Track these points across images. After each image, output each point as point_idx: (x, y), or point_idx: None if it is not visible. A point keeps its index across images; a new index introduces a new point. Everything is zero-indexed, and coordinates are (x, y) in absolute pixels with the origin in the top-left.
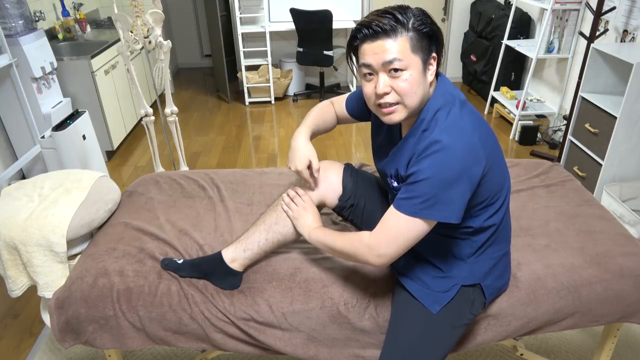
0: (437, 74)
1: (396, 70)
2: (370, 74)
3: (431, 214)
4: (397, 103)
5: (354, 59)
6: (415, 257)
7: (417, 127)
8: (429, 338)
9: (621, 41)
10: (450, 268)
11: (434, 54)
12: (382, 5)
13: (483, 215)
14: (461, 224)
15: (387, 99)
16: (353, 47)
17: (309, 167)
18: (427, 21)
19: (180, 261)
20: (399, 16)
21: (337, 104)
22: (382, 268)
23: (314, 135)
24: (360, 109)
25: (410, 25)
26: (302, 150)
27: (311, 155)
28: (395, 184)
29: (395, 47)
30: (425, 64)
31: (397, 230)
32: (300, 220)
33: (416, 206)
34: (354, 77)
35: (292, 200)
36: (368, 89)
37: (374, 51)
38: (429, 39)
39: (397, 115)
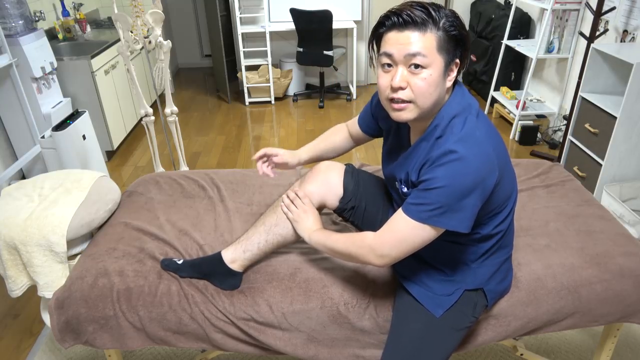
0: (455, 82)
1: (417, 66)
2: (389, 64)
3: (440, 221)
4: (409, 101)
5: (375, 47)
6: (419, 260)
7: (430, 132)
8: (431, 341)
9: (621, 41)
10: (455, 272)
11: (457, 60)
12: (383, 5)
13: (492, 222)
14: (470, 232)
15: (401, 94)
16: (377, 34)
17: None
18: (457, 24)
19: (180, 261)
20: (432, 12)
21: (351, 124)
22: (382, 268)
23: (315, 160)
24: (370, 123)
25: (441, 24)
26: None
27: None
28: (405, 189)
29: (422, 41)
30: (447, 67)
31: (403, 234)
32: (300, 223)
33: (426, 213)
34: (355, 77)
35: (292, 202)
36: (384, 80)
37: (399, 41)
38: (456, 43)
39: (406, 113)
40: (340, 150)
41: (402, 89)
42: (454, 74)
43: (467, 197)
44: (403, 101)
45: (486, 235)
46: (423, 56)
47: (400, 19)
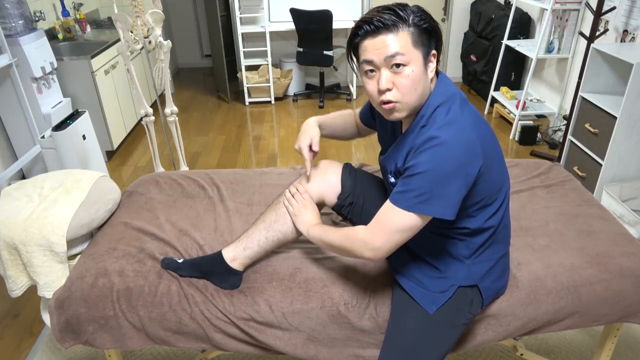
0: (437, 72)
1: (398, 65)
2: (372, 70)
3: (425, 208)
4: (397, 101)
5: (354, 57)
6: (413, 257)
7: (416, 123)
8: (427, 338)
9: (621, 41)
10: (448, 268)
11: (434, 51)
12: (381, 4)
13: (481, 216)
14: (458, 225)
15: (389, 95)
16: (354, 45)
17: (311, 148)
18: (426, 17)
19: (181, 260)
20: (400, 12)
21: (358, 112)
22: (381, 267)
23: (328, 132)
24: (368, 116)
25: (410, 21)
26: (307, 131)
27: (314, 136)
28: (392, 179)
29: (397, 41)
30: (426, 59)
31: (391, 224)
32: (300, 217)
33: (411, 200)
34: (355, 77)
35: (293, 197)
36: (371, 86)
37: (375, 46)
38: (429, 35)
39: (398, 113)
40: (349, 133)
41: (389, 89)
42: (433, 65)
43: (449, 182)
44: (391, 101)
45: (476, 230)
46: (402, 55)
47: (372, 26)
